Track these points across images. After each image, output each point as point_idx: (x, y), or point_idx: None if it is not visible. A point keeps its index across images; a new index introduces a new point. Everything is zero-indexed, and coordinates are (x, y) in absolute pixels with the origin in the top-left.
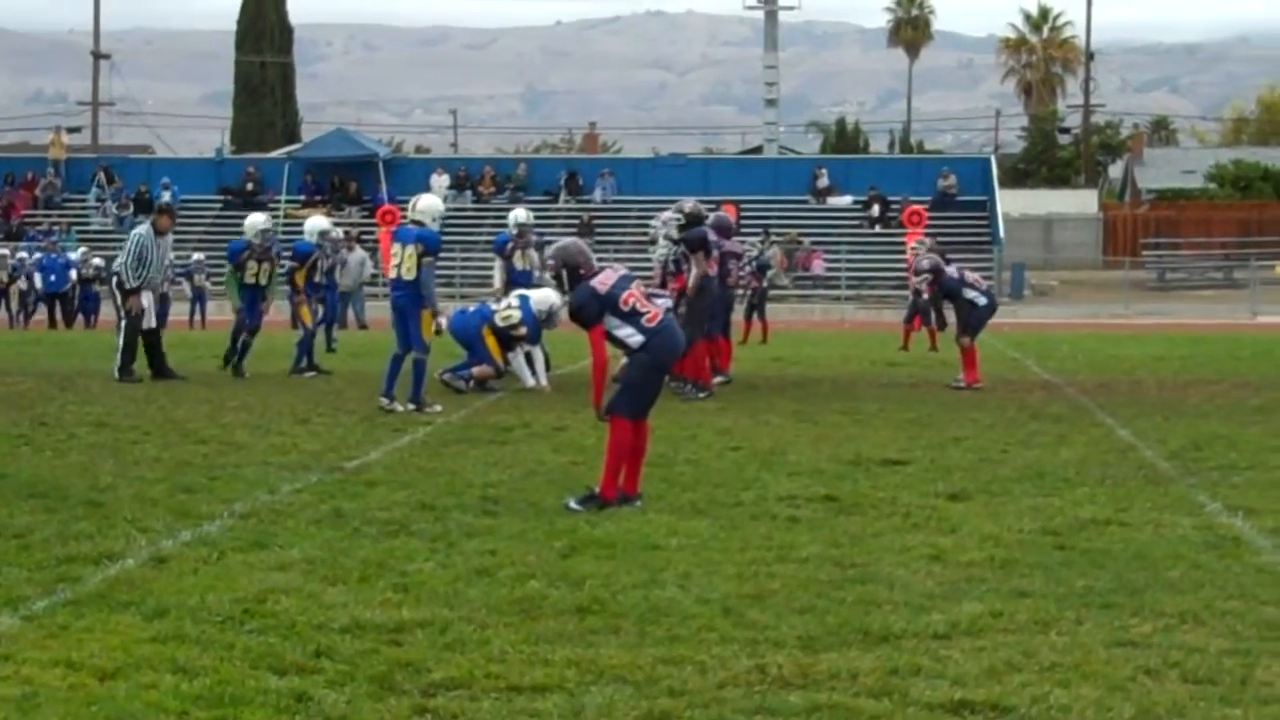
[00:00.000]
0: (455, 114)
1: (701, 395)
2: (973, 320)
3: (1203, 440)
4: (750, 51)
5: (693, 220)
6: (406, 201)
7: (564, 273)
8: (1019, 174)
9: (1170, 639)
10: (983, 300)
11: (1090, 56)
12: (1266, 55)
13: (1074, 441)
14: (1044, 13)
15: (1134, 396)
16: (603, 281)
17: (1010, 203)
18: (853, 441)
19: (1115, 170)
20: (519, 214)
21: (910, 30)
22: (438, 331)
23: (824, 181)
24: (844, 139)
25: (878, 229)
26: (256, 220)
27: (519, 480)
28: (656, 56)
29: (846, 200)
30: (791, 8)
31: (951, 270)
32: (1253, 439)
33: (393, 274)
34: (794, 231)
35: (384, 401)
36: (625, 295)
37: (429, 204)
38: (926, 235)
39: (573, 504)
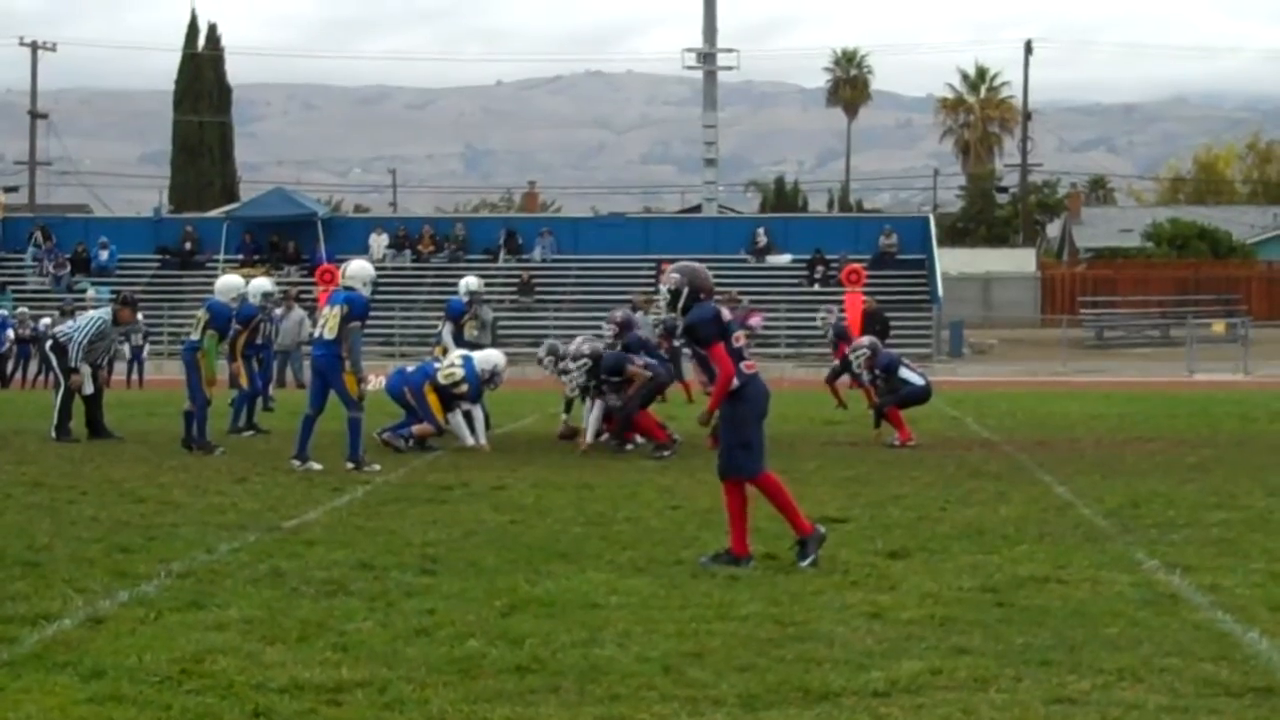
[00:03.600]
0: (394, 173)
1: (666, 454)
2: (903, 396)
3: (1140, 498)
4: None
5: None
6: (344, 260)
7: (686, 290)
8: (957, 233)
9: (1108, 696)
10: (920, 381)
11: (1028, 116)
12: (1202, 115)
13: (1013, 499)
14: (981, 73)
15: (1072, 454)
16: (722, 313)
17: (949, 261)
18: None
19: (1053, 229)
20: (470, 282)
21: (849, 90)
22: (360, 397)
23: (763, 240)
24: (783, 198)
25: (817, 287)
26: (263, 284)
27: (458, 539)
28: (596, 116)
29: (785, 259)
30: (730, 68)
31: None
32: (1189, 496)
33: (316, 333)
34: (733, 290)
35: (295, 464)
36: (736, 334)
37: (358, 269)
38: (865, 294)
39: (705, 561)
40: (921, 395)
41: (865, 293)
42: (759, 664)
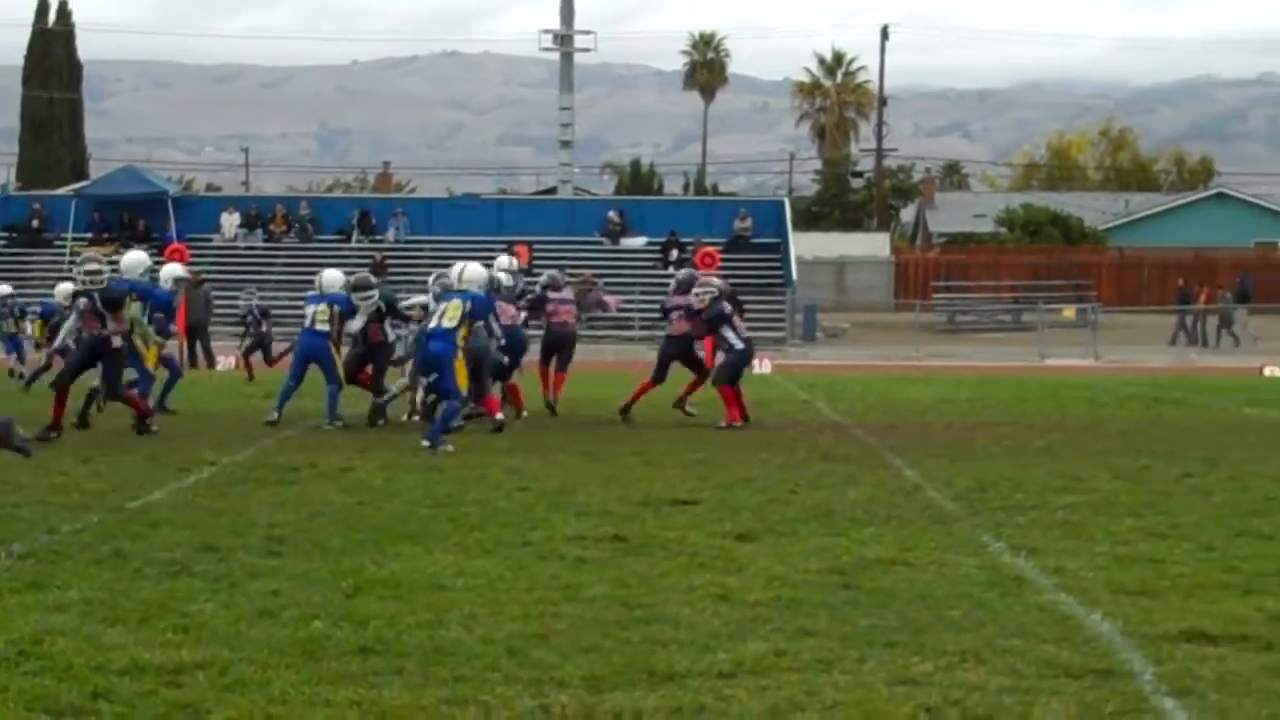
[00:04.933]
0: (247, 152)
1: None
2: (729, 367)
3: (988, 481)
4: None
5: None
6: (195, 239)
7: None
8: (812, 217)
9: (951, 677)
10: (739, 345)
11: (883, 101)
12: (1056, 101)
13: (861, 482)
14: (838, 57)
15: (922, 438)
16: None
17: (803, 245)
18: (642, 482)
19: (907, 214)
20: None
21: (706, 73)
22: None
23: (618, 223)
24: (638, 180)
25: (671, 270)
26: (175, 269)
27: (305, 521)
28: (453, 97)
29: (640, 241)
30: (587, 50)
31: (728, 308)
32: (1037, 480)
33: (435, 323)
34: (588, 272)
35: (425, 444)
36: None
37: (474, 272)
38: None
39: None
40: (741, 361)
41: (720, 275)
42: (604, 646)
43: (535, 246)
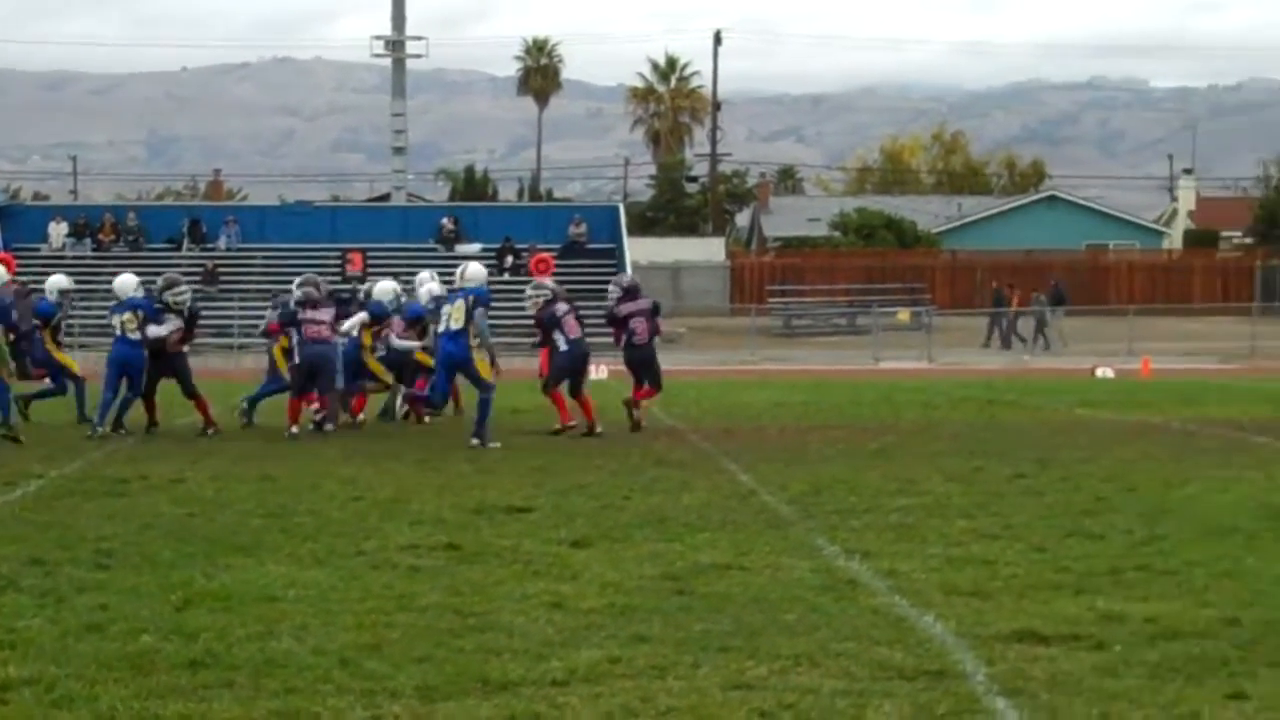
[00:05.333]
0: (75, 160)
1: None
2: (556, 372)
3: (823, 484)
4: (379, 99)
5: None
6: (22, 249)
7: None
8: (647, 222)
9: (785, 681)
10: (564, 347)
11: (717, 106)
12: (890, 105)
13: (696, 487)
14: (671, 63)
15: (757, 442)
16: None
17: (639, 250)
18: (476, 489)
19: (742, 218)
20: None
21: (540, 79)
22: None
23: (452, 229)
24: (472, 186)
25: (506, 276)
26: (59, 281)
27: (134, 533)
28: (284, 103)
29: (475, 248)
30: (419, 55)
31: (563, 309)
32: (871, 482)
33: (443, 327)
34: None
35: (474, 442)
36: None
37: (475, 271)
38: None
39: None
40: (565, 363)
41: (554, 281)
42: (437, 655)
43: (369, 254)
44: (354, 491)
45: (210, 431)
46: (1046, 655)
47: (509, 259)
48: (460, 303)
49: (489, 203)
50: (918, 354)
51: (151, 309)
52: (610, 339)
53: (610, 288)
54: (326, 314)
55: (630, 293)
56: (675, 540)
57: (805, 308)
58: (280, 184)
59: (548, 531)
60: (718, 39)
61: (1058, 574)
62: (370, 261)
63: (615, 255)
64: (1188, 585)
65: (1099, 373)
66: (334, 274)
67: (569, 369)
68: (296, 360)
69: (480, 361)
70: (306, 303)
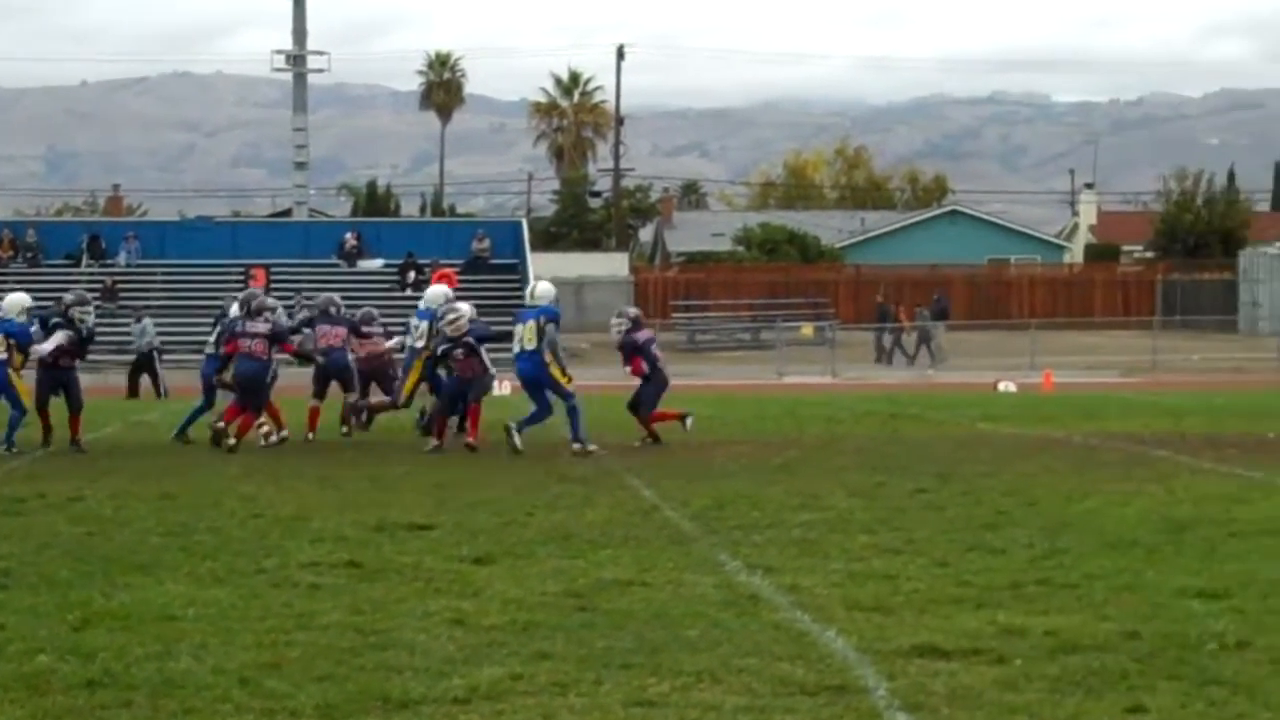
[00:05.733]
0: None
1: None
2: (482, 381)
3: (726, 500)
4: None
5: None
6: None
7: None
8: (551, 237)
9: (687, 697)
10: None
11: (620, 121)
12: (793, 120)
13: (599, 503)
14: (575, 77)
15: (659, 458)
16: None
17: (542, 266)
18: (378, 507)
19: (646, 233)
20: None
21: (442, 94)
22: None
23: (354, 244)
24: (375, 202)
25: (409, 292)
26: (21, 300)
27: (31, 553)
28: (184, 118)
29: (377, 263)
30: (321, 70)
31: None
32: (774, 498)
33: (516, 348)
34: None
35: (575, 447)
36: None
37: (545, 289)
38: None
39: None
40: (659, 388)
41: (457, 297)
42: (338, 673)
43: (271, 270)
44: (255, 509)
45: (76, 448)
46: (947, 670)
47: (411, 275)
48: (532, 323)
49: (392, 218)
50: (821, 369)
51: (26, 336)
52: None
53: (617, 319)
54: (264, 328)
55: (638, 322)
56: (578, 557)
57: (709, 323)
58: (181, 199)
59: (450, 548)
60: (620, 54)
61: (959, 588)
62: (273, 277)
63: (518, 271)
64: (1088, 599)
65: (1001, 387)
66: (236, 290)
67: (658, 392)
68: (319, 364)
69: (555, 369)
70: (246, 316)
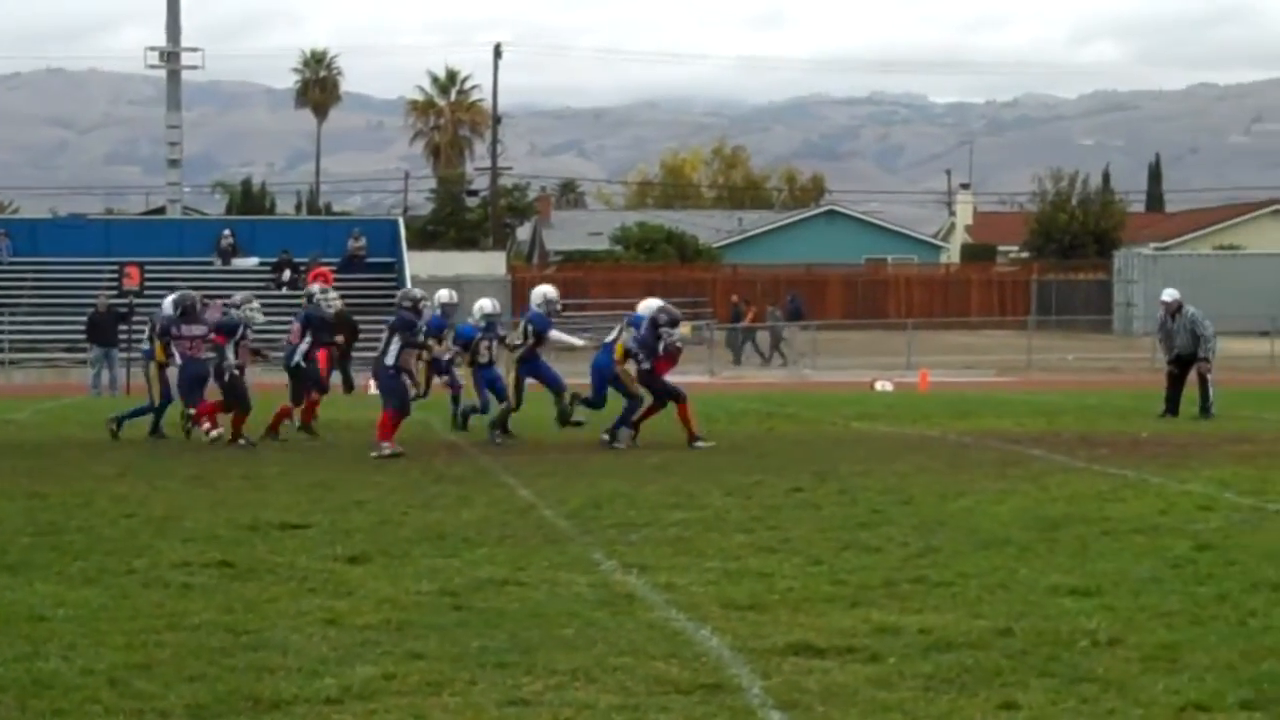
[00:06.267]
0: None
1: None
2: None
3: (602, 499)
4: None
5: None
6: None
7: None
8: (428, 236)
9: (561, 696)
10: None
11: (498, 120)
12: (671, 120)
13: (475, 502)
14: (451, 76)
15: (536, 457)
16: None
17: (419, 264)
18: (251, 506)
19: (523, 232)
20: (485, 304)
21: (318, 91)
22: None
23: (229, 242)
24: (250, 200)
25: (284, 290)
26: None
27: None
28: (57, 114)
29: (252, 261)
30: (195, 67)
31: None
32: (650, 496)
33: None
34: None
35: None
36: None
37: (648, 305)
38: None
39: None
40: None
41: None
42: (209, 673)
43: (146, 267)
44: (126, 508)
45: None
46: (821, 668)
47: (286, 273)
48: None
49: (267, 216)
50: (700, 368)
51: None
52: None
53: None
54: (200, 329)
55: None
56: (453, 556)
57: (588, 321)
58: (53, 197)
59: (324, 548)
60: (498, 52)
61: (834, 587)
62: (147, 276)
63: (395, 269)
64: (962, 597)
65: (878, 386)
66: (110, 288)
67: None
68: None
69: (625, 372)
70: (183, 317)
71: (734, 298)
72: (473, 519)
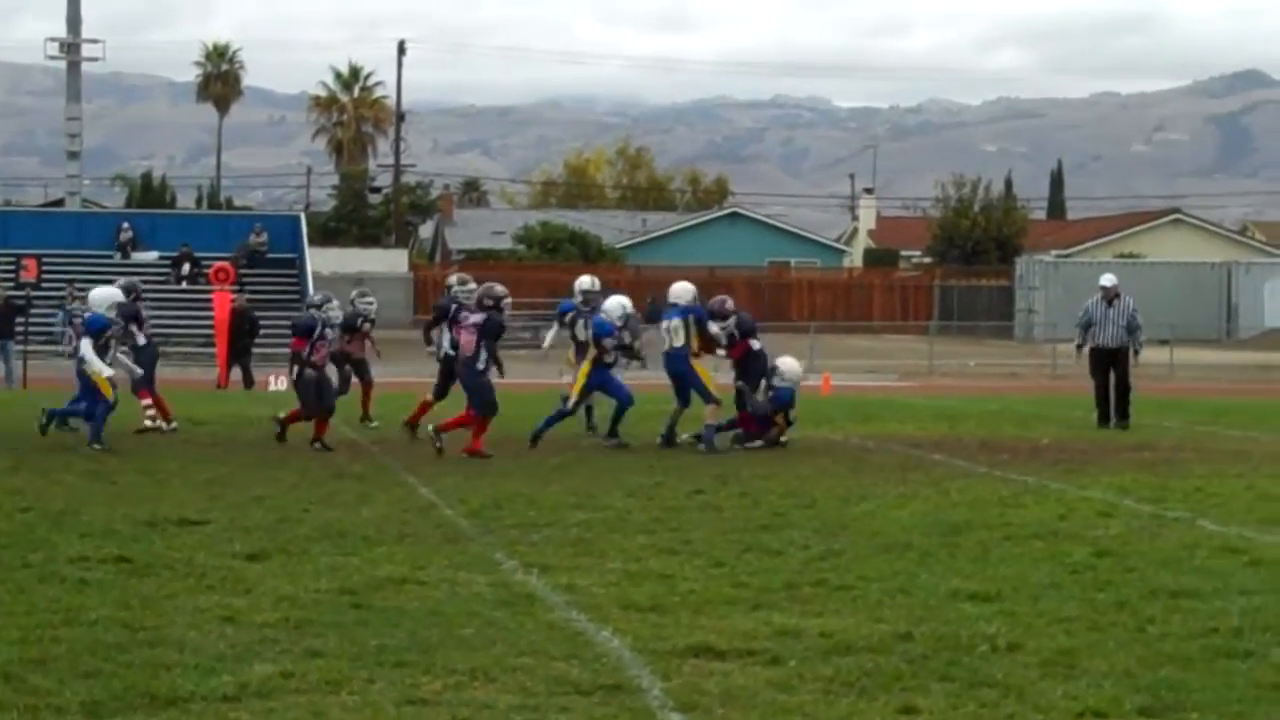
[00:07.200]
0: None
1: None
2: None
3: (503, 498)
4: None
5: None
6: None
7: None
8: (330, 232)
9: (460, 696)
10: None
11: (401, 117)
12: (575, 120)
13: (376, 500)
14: (355, 72)
15: (437, 456)
16: None
17: (320, 261)
18: (150, 501)
19: (426, 230)
20: (584, 281)
21: (220, 85)
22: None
23: (129, 236)
24: (150, 193)
25: (184, 285)
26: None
27: None
28: None
29: (152, 255)
30: (96, 59)
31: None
32: (552, 497)
33: (667, 344)
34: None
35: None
36: None
37: (681, 289)
38: (234, 292)
39: None
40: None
41: (234, 291)
42: (105, 670)
43: (43, 260)
44: (22, 502)
45: None
46: (721, 670)
47: (186, 267)
48: (678, 320)
49: (167, 210)
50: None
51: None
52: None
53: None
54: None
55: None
56: (353, 554)
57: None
58: None
59: (222, 545)
60: (402, 49)
61: (735, 589)
62: (45, 268)
63: (296, 265)
64: (863, 601)
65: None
66: (7, 281)
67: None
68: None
69: (702, 371)
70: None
71: (651, 298)
72: (373, 517)
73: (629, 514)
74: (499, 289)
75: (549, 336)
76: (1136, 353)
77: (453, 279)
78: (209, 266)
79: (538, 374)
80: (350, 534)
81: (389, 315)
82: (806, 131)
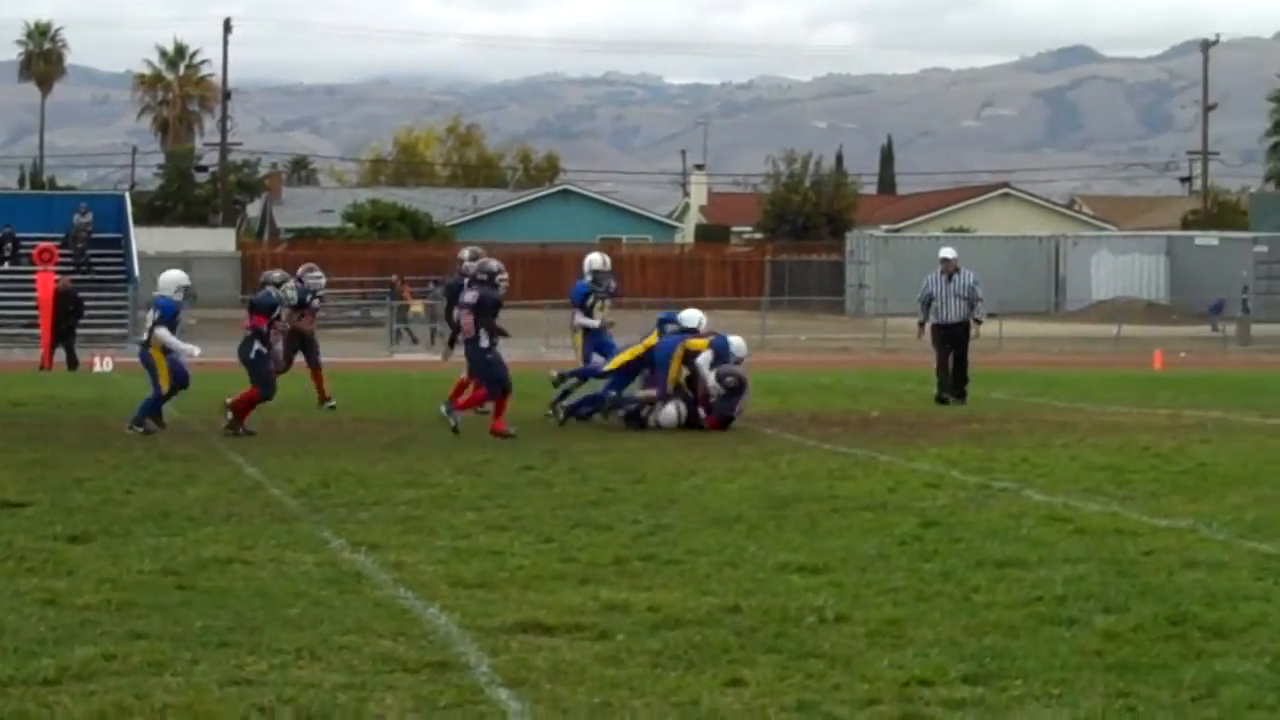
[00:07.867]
0: None
1: None
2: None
3: (331, 477)
4: None
5: None
6: None
7: None
8: (156, 211)
9: (285, 675)
10: None
11: (227, 95)
12: (404, 97)
13: (201, 481)
14: (180, 50)
15: (264, 435)
16: None
17: (146, 241)
18: None
19: (254, 209)
20: (594, 259)
21: (42, 64)
22: None
23: None
24: None
25: (7, 266)
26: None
27: None
28: None
29: None
30: None
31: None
32: (381, 475)
33: None
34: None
35: None
36: None
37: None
38: (58, 273)
39: None
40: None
41: (58, 272)
42: None
43: None
44: None
45: None
46: (550, 645)
47: (9, 248)
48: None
49: None
50: (376, 346)
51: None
52: None
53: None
54: None
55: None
56: (177, 535)
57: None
58: None
59: (44, 527)
60: (228, 27)
61: (564, 564)
62: None
63: (121, 245)
64: (691, 574)
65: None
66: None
67: None
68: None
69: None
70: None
71: (394, 277)
72: (198, 497)
73: (458, 491)
74: (493, 263)
75: (580, 320)
76: (978, 322)
77: (465, 253)
78: (32, 247)
79: (369, 353)
80: (175, 514)
81: (216, 294)
82: (638, 109)
